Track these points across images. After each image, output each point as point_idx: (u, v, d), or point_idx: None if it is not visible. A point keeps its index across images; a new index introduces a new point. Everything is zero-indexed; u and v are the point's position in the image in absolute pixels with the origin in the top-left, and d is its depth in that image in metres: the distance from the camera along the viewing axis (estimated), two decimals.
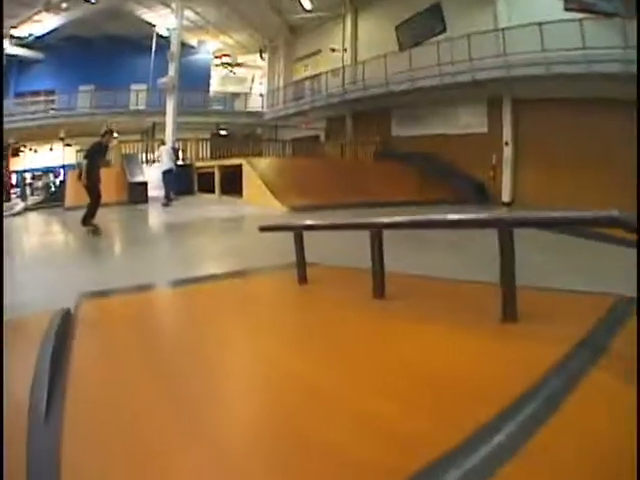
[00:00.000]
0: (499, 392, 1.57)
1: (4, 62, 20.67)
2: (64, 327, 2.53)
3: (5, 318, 2.50)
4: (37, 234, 11.00)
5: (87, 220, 8.80)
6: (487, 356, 1.93)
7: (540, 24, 13.22)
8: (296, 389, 1.78)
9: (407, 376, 1.80)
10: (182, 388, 1.85)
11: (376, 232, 2.74)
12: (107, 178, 14.18)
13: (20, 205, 15.72)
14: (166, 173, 14.31)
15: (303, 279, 3.42)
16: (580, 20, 12.55)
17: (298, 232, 3.38)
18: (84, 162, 8.61)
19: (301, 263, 3.42)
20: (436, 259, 6.07)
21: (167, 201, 13.87)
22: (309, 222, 3.66)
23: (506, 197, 15.66)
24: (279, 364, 2.04)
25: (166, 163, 14.44)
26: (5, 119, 21.08)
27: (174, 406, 1.67)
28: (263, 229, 4.07)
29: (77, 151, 22.20)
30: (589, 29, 12.32)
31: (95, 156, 8.73)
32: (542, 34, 13.12)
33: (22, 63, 24.62)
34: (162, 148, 15.22)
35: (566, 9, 13.07)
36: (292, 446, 1.36)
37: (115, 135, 9.31)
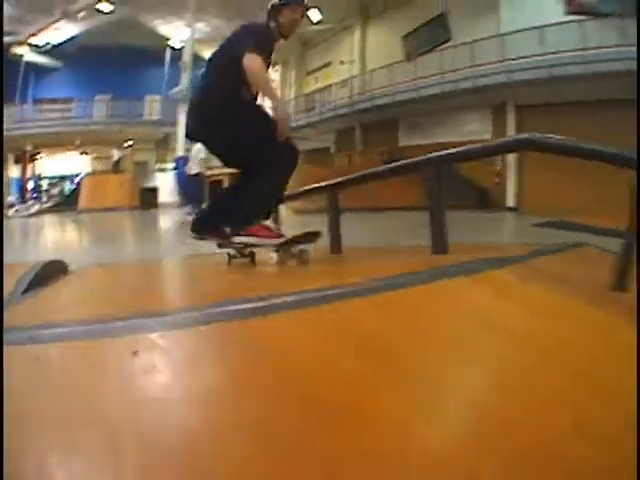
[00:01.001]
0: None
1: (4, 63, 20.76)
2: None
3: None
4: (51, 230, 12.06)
5: (250, 218, 2.94)
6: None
7: (541, 27, 13.58)
8: None
9: None
10: None
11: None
12: (116, 184, 14.52)
13: (35, 207, 16.53)
14: (193, 177, 12.11)
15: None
16: (579, 22, 12.78)
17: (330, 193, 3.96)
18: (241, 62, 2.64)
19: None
20: None
21: (197, 210, 9.39)
22: (339, 179, 3.81)
23: (510, 203, 15.75)
24: None
25: (197, 165, 11.94)
26: (23, 124, 21.60)
27: None
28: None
29: (93, 159, 22.78)
30: (589, 29, 12.54)
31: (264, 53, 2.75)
32: (543, 38, 13.42)
33: (41, 70, 25.14)
34: (196, 147, 11.58)
35: (567, 13, 13.12)
36: None
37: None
